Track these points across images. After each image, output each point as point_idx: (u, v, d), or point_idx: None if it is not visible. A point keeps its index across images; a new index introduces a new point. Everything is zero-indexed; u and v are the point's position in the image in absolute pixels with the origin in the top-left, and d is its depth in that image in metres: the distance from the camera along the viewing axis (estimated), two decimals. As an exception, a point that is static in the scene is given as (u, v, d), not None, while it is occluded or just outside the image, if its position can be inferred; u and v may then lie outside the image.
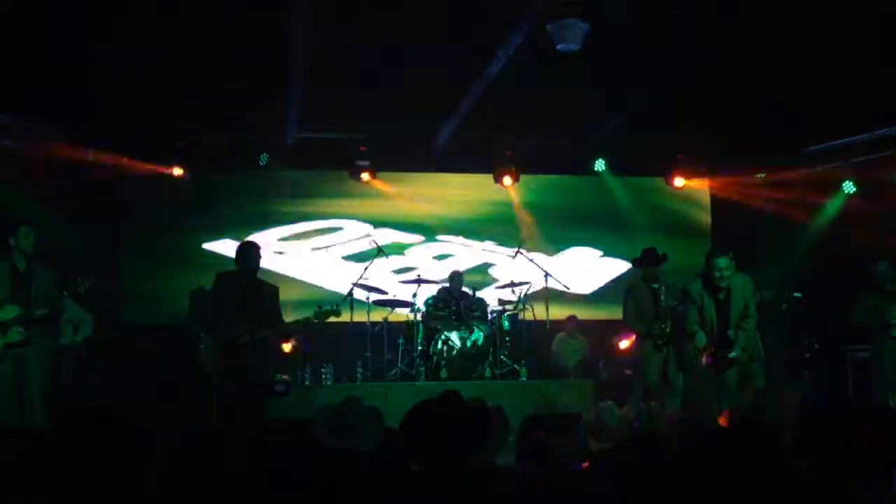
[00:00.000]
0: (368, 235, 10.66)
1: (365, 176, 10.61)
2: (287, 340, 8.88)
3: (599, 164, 10.97)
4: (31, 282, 6.28)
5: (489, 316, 9.31)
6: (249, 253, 6.79)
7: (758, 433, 3.06)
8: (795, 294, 8.21)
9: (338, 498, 2.54)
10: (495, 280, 10.86)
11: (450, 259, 11.02)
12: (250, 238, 8.70)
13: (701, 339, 6.78)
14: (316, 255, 10.81)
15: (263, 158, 10.30)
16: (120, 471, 2.40)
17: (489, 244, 11.25)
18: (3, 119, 8.55)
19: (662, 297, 7.58)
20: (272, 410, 6.98)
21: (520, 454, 3.68)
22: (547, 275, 9.60)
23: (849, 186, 10.26)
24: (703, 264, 6.99)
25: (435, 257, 11.08)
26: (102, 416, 2.47)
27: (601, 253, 11.41)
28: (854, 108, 8.68)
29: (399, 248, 10.91)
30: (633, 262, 8.54)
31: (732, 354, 6.77)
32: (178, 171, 10.08)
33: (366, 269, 9.49)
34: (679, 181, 11.23)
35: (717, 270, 6.72)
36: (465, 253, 11.16)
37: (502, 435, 3.84)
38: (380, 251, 9.68)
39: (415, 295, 9.24)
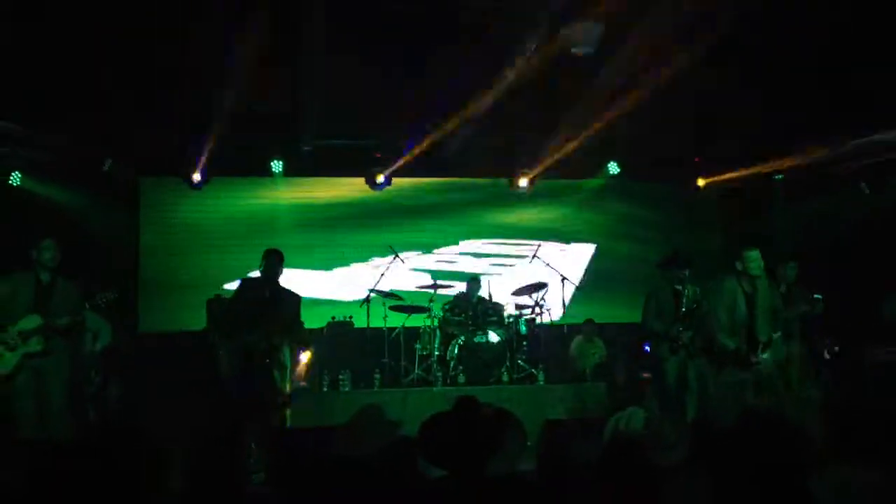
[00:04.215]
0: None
1: (380, 181, 10.65)
2: (307, 348, 8.87)
3: (613, 167, 10.99)
4: (53, 293, 6.35)
5: (506, 320, 9.28)
6: (271, 260, 6.86)
7: None
8: (815, 295, 8.11)
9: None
10: (512, 284, 10.84)
11: (466, 264, 11.02)
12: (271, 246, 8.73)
13: (729, 343, 6.79)
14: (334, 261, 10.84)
15: (277, 165, 10.37)
16: (141, 483, 2.41)
17: (506, 248, 11.25)
18: (12, 128, 8.57)
19: (685, 300, 7.51)
20: (292, 418, 6.99)
21: (540, 460, 3.64)
22: (564, 278, 9.57)
23: (865, 187, 10.20)
24: (718, 266, 6.97)
25: (451, 262, 11.08)
26: (123, 429, 2.49)
27: (613, 255, 11.42)
28: (870, 107, 8.62)
29: (417, 252, 10.95)
30: (659, 263, 8.44)
31: (763, 356, 6.76)
32: (196, 178, 10.17)
33: (382, 274, 9.50)
34: (698, 183, 11.26)
35: (751, 261, 6.75)
36: (482, 257, 11.17)
37: (520, 440, 3.81)
38: (396, 256, 9.71)
39: (431, 300, 9.23)
